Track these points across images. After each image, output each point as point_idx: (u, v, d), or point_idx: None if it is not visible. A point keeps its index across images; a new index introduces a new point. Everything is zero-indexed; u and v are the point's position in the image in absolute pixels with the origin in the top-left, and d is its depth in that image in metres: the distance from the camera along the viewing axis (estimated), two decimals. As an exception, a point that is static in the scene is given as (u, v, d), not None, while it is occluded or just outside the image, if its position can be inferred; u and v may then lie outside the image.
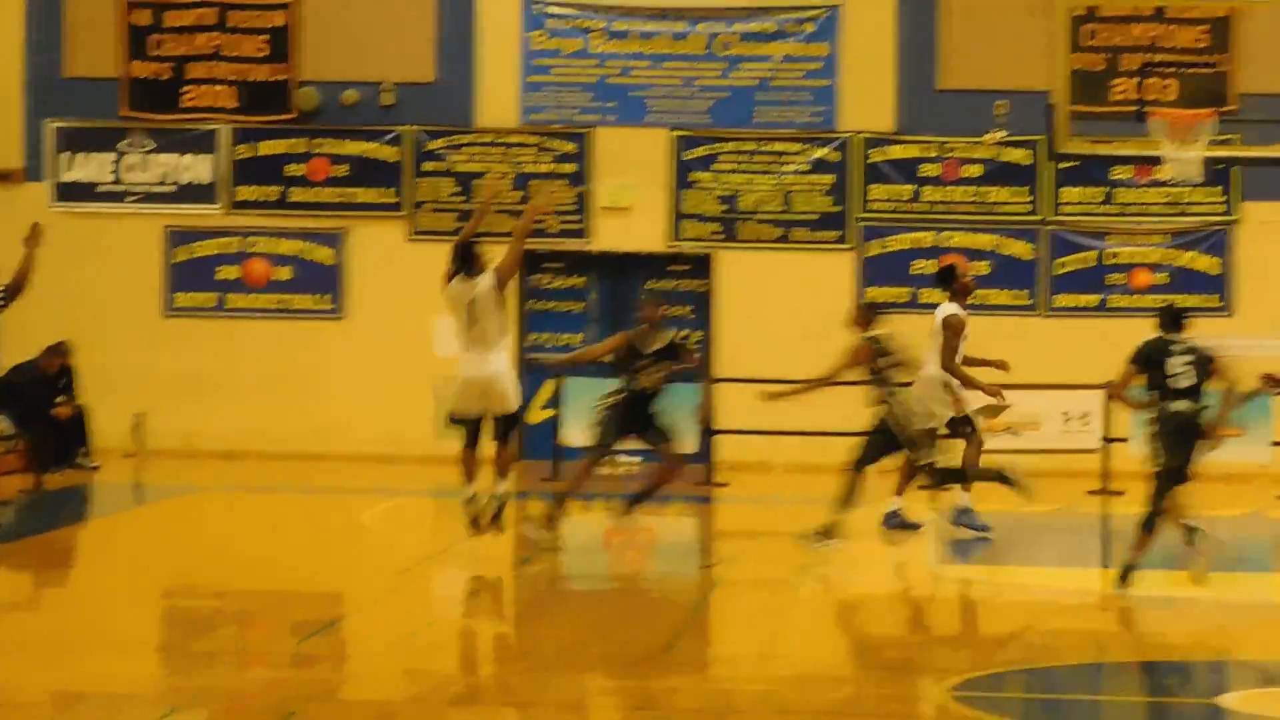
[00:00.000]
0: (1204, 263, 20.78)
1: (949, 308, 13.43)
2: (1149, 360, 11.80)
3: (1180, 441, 11.57)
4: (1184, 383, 11.35)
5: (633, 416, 13.03)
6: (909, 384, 13.42)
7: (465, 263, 11.98)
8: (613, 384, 12.90)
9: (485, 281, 11.90)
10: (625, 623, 11.26)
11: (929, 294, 20.56)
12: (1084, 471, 18.93)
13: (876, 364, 13.21)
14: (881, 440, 13.27)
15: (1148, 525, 11.35)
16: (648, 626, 11.06)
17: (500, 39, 19.83)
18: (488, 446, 12.06)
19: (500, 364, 11.92)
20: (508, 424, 11.80)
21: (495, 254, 13.19)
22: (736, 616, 11.71)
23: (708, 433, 17.56)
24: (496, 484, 11.52)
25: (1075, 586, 13.48)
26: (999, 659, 10.01)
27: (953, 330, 13.40)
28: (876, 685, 9.62)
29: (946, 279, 13.84)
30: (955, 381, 13.59)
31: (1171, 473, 11.23)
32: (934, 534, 15.93)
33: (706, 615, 12.04)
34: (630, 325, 14.34)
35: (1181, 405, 11.14)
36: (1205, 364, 11.65)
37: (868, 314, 13.72)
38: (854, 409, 19.15)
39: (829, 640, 10.82)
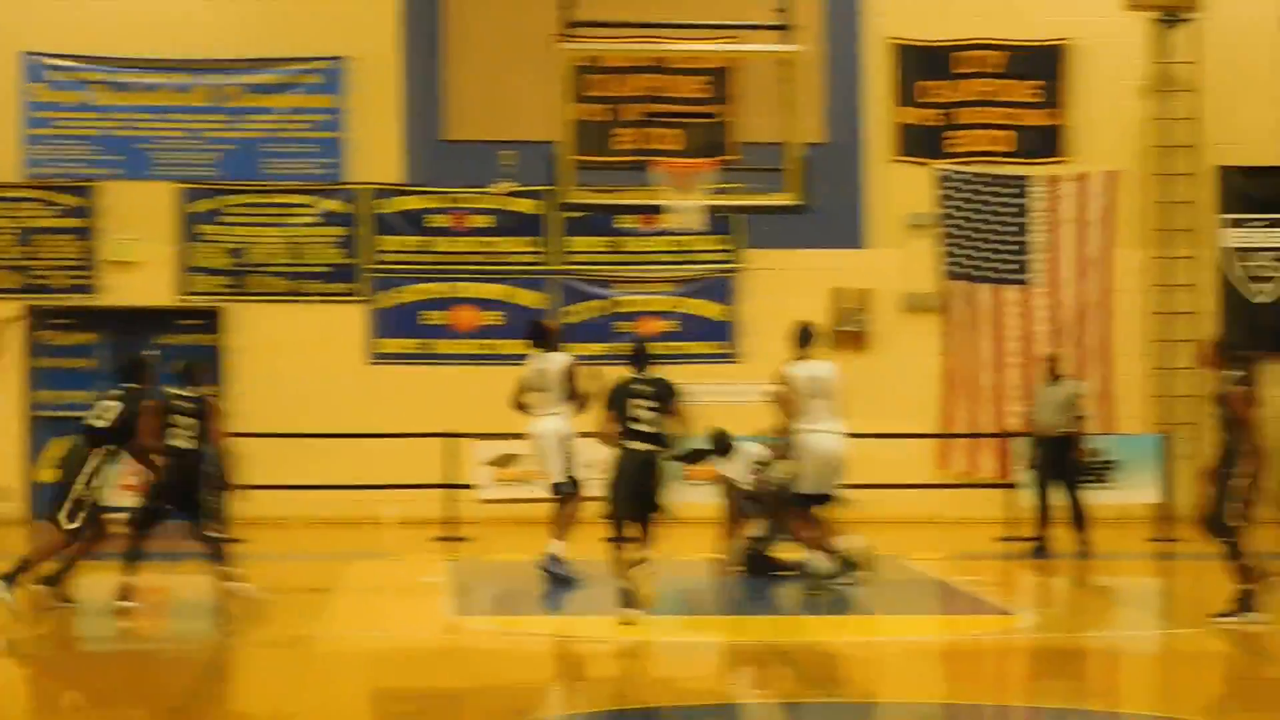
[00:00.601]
0: (711, 310, 21.41)
1: (564, 356, 14.20)
2: (613, 400, 12.34)
3: (635, 481, 12.12)
4: (643, 423, 11.94)
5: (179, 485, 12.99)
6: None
7: None
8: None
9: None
10: (138, 683, 11.08)
11: (441, 345, 21.46)
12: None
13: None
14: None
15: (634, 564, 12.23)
16: (160, 687, 10.81)
17: (-2, 92, 20.06)
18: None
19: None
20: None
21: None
22: (251, 675, 11.60)
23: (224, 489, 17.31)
24: None
25: (596, 634, 13.59)
26: (513, 709, 10.08)
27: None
28: None
29: (543, 335, 14.46)
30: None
31: (623, 511, 11.96)
32: (451, 585, 15.96)
33: (221, 674, 11.83)
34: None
35: (637, 445, 11.67)
36: (666, 401, 12.17)
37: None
38: (374, 463, 19.55)
39: (343, 696, 10.68)
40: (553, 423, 13.61)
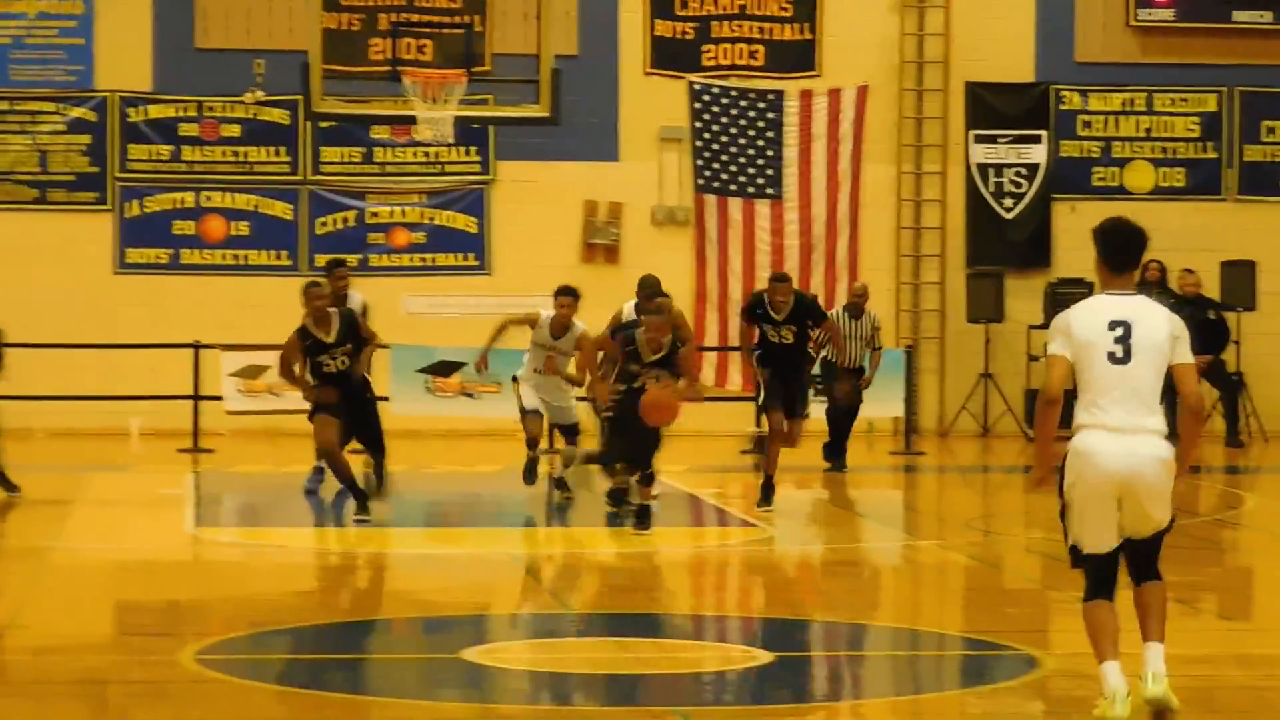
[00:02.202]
0: (461, 221, 21.38)
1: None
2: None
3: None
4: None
5: None
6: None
7: None
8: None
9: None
10: None
11: (189, 255, 21.16)
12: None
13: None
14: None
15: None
16: None
17: None
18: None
19: None
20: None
21: None
22: (-15, 585, 11.88)
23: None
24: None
25: (335, 545, 13.65)
26: (251, 621, 10.02)
27: None
28: (124, 653, 9.45)
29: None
30: None
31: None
32: (192, 497, 16.15)
33: (-46, 583, 12.02)
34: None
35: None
36: None
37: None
38: (121, 374, 19.59)
39: (78, 608, 10.49)
40: None
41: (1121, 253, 6.25)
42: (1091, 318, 6.15)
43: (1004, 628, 9.57)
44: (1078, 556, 6.09)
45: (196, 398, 19.65)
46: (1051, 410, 6.06)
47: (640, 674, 8.89)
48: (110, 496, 14.62)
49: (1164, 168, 23.63)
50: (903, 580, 12.44)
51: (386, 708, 7.86)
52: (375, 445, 12.89)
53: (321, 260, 21.23)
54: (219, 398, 20.08)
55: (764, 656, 8.91)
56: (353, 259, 20.70)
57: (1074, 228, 21.86)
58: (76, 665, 8.76)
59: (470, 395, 19.90)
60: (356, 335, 12.07)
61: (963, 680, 8.78)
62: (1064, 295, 18.25)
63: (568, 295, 13.16)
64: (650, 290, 13.62)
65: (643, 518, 11.99)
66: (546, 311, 13.17)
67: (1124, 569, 6.41)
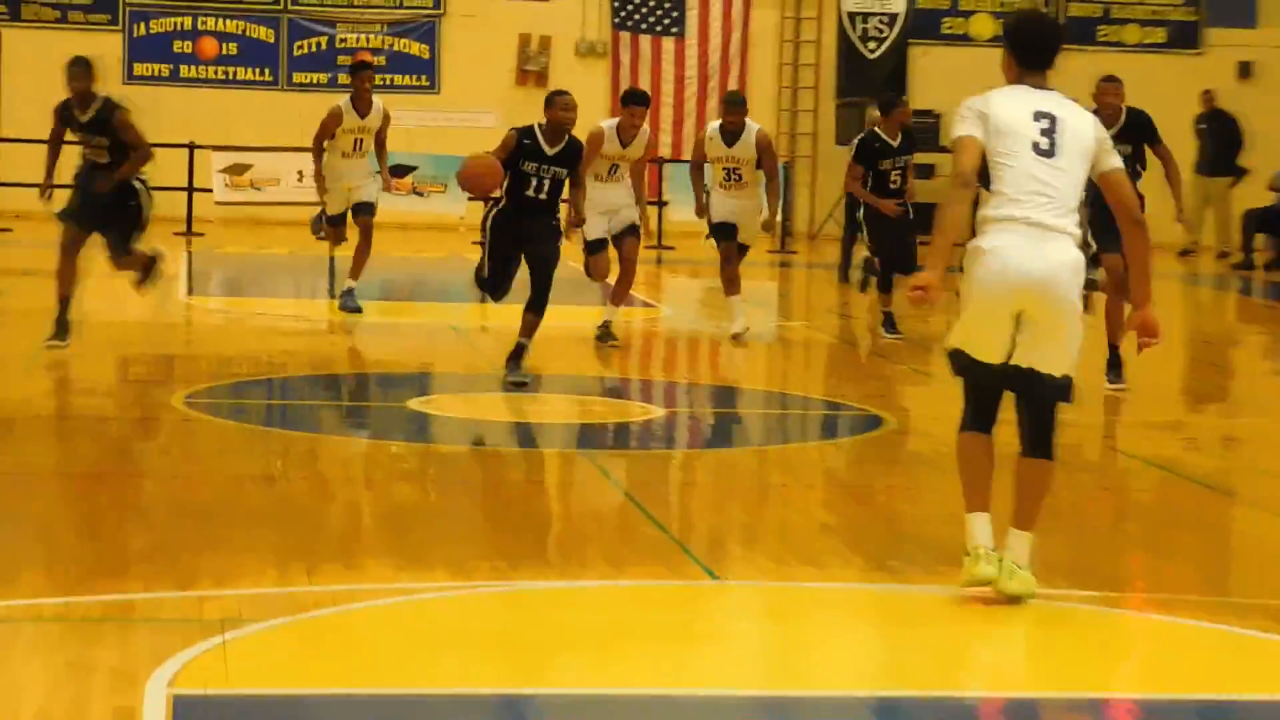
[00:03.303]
0: (416, 49, 22.57)
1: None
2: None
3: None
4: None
5: None
6: None
7: None
8: None
9: None
10: None
11: (187, 70, 22.47)
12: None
13: None
14: None
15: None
16: None
17: None
18: None
19: None
20: None
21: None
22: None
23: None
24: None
25: (305, 314, 14.54)
26: (232, 373, 10.93)
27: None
28: (124, 396, 10.41)
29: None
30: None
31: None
32: (186, 272, 16.70)
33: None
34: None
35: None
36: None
37: None
38: None
39: (87, 360, 11.12)
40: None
41: (1036, 48, 5.40)
42: (1014, 104, 5.24)
43: (858, 394, 9.83)
44: (960, 362, 5.22)
45: (190, 189, 20.82)
46: (964, 194, 5.20)
47: (555, 422, 9.90)
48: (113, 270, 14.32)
49: (1002, 18, 22.44)
50: (774, 354, 12.93)
51: (343, 445, 8.85)
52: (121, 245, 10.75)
53: (299, 78, 22.75)
54: (209, 190, 21.05)
55: (658, 412, 9.83)
56: (323, 77, 22.13)
57: (927, 68, 23.66)
58: (85, 404, 9.71)
59: (420, 194, 21.22)
60: (111, 128, 10.22)
61: (821, 434, 9.28)
62: (917, 124, 19.00)
63: (640, 105, 11.50)
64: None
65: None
66: (608, 121, 11.62)
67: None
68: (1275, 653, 5.12)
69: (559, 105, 9.77)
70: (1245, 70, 24.21)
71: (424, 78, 22.56)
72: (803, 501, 7.82)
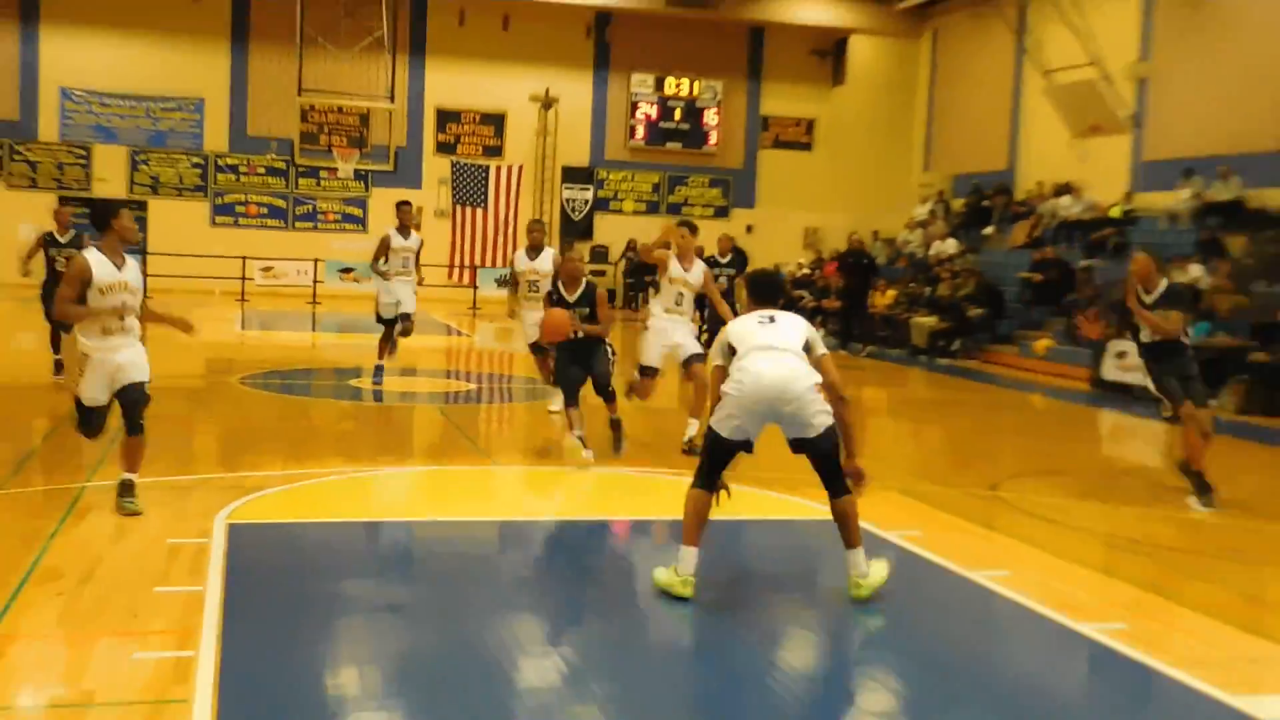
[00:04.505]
0: (355, 210, 30.71)
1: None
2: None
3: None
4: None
5: None
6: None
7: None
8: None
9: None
10: None
11: (242, 219, 29.42)
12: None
13: None
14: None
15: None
16: None
17: None
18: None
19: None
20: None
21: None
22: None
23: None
24: None
25: (300, 340, 17.75)
26: (262, 366, 13.86)
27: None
28: (206, 377, 13.65)
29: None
30: None
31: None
32: (240, 316, 21.01)
33: None
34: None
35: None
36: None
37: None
38: None
39: (191, 358, 13.34)
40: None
41: (765, 293, 6.30)
42: (745, 321, 6.20)
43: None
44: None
45: (243, 278, 27.52)
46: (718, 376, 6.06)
47: (425, 391, 13.13)
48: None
49: (642, 202, 32.74)
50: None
51: (319, 402, 11.93)
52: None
53: (300, 225, 29.77)
54: (252, 278, 27.97)
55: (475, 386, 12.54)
56: (310, 224, 29.90)
57: (604, 226, 31.97)
58: (187, 379, 12.24)
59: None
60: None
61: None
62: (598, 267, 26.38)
63: (690, 230, 10.22)
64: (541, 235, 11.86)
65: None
66: (669, 252, 10.07)
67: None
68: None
69: (568, 259, 9.59)
70: (750, 229, 31.57)
71: (360, 225, 30.86)
72: (555, 430, 10.77)
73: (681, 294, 10.24)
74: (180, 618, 5.40)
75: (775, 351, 5.87)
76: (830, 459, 5.87)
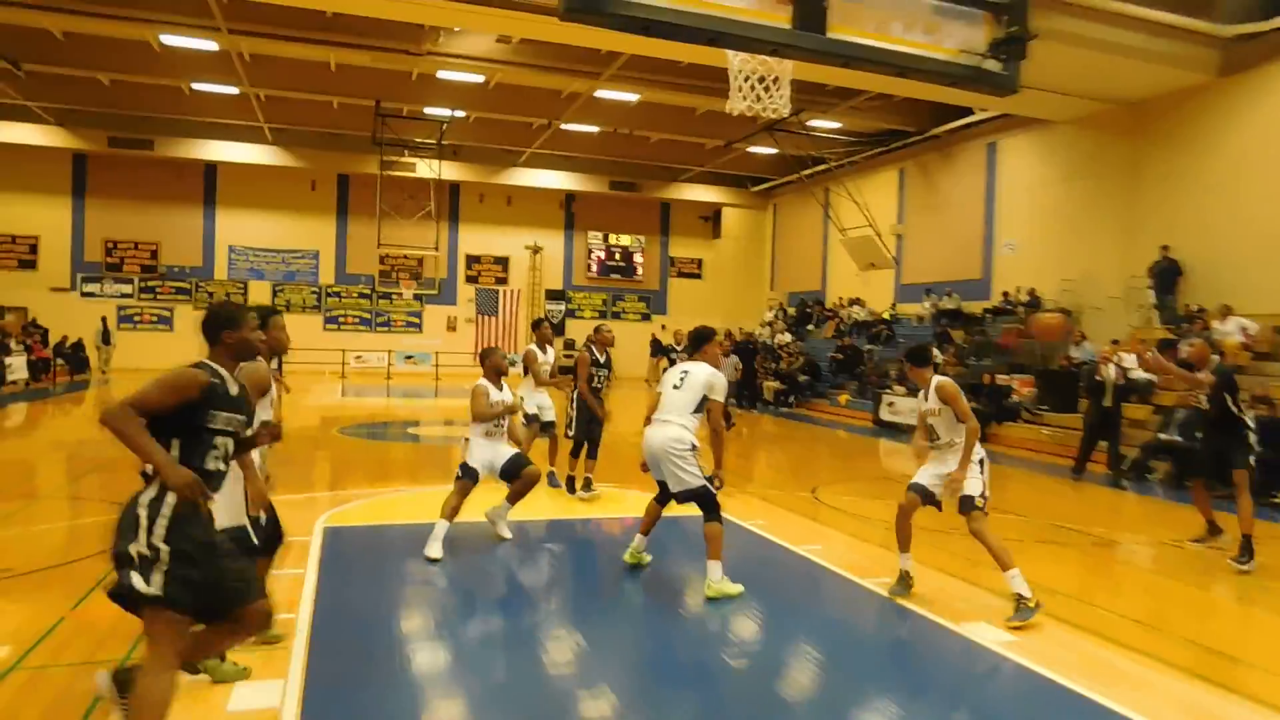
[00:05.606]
0: (411, 311, 29.54)
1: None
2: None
3: None
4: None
5: None
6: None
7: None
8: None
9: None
10: None
11: (342, 325, 28.02)
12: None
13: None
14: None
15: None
16: None
17: None
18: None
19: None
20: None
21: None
22: None
23: None
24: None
25: (380, 406, 15.75)
26: (354, 421, 12.48)
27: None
28: (320, 427, 11.92)
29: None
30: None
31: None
32: (340, 388, 20.08)
33: None
34: None
35: None
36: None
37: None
38: None
39: (304, 416, 12.22)
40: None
41: (691, 344, 5.58)
42: (671, 371, 5.61)
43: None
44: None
45: (343, 365, 26.93)
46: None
47: (440, 423, 11.49)
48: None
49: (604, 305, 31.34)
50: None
51: (387, 445, 9.74)
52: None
53: (380, 329, 28.59)
54: (348, 361, 27.36)
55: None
56: (377, 326, 29.55)
57: (574, 328, 29.67)
58: (303, 429, 10.85)
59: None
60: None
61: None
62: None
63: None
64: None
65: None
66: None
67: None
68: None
69: (600, 331, 8.79)
70: (664, 328, 29.64)
71: (418, 328, 29.48)
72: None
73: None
74: (286, 590, 5.26)
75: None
76: (691, 498, 5.56)
